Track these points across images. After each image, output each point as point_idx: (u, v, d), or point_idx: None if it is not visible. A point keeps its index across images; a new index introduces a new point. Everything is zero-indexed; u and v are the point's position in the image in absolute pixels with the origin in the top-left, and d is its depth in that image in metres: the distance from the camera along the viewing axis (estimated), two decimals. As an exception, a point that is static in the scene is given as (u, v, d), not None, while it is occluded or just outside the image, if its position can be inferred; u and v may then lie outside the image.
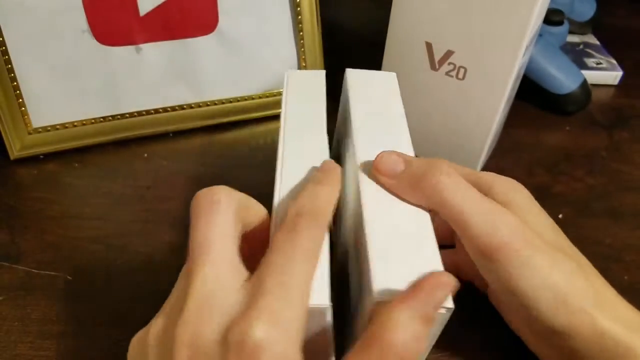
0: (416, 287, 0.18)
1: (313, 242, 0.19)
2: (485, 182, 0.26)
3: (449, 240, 0.30)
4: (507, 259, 0.23)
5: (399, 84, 0.40)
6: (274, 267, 0.18)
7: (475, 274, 0.25)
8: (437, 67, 0.37)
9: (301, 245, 0.18)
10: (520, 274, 0.23)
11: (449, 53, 0.35)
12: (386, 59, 0.39)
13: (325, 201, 0.21)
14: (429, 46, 0.36)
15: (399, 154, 0.25)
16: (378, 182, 0.24)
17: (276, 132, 0.45)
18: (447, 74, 0.36)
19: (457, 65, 0.36)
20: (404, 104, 0.41)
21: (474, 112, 0.37)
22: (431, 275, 0.19)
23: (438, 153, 0.40)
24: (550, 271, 0.23)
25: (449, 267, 0.21)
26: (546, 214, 0.26)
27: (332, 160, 0.23)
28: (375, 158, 0.24)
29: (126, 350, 0.21)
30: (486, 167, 0.40)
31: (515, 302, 0.23)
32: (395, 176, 0.24)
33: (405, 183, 0.23)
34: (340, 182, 0.23)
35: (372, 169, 0.24)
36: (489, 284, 0.25)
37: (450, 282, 0.19)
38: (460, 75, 0.36)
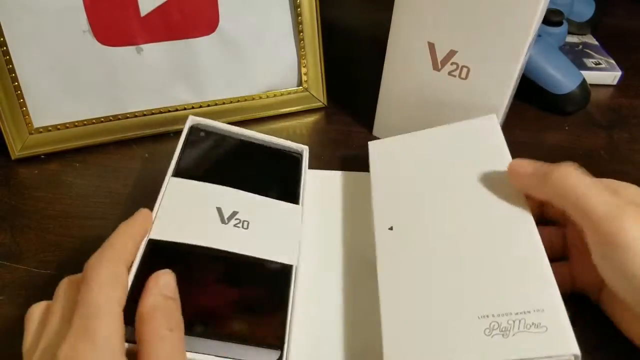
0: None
1: (105, 277, 0.23)
2: (608, 187, 0.28)
3: (561, 253, 0.32)
4: (629, 244, 0.24)
5: (401, 84, 0.40)
6: (75, 312, 0.22)
7: (589, 281, 0.29)
8: (439, 67, 0.37)
9: (91, 289, 0.22)
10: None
11: (451, 53, 0.36)
12: (388, 60, 0.39)
13: (122, 234, 0.25)
14: (431, 46, 0.36)
15: (526, 160, 0.29)
16: (515, 186, 0.29)
17: (276, 133, 0.45)
18: (449, 73, 0.36)
19: (460, 65, 0.36)
20: (405, 103, 0.42)
21: (477, 112, 0.37)
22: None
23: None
24: None
25: (564, 278, 0.27)
26: None
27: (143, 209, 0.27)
28: (510, 165, 0.29)
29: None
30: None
31: (632, 298, 0.25)
32: (527, 176, 0.28)
33: (536, 180, 0.28)
34: (146, 220, 0.27)
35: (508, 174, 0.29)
36: (606, 280, 0.26)
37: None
38: (463, 75, 0.36)
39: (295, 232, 0.31)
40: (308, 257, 0.33)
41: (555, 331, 0.23)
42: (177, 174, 0.31)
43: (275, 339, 0.25)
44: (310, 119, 0.47)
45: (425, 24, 0.35)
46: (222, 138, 0.35)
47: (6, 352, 0.27)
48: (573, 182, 0.26)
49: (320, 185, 0.38)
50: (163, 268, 0.25)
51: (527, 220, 0.28)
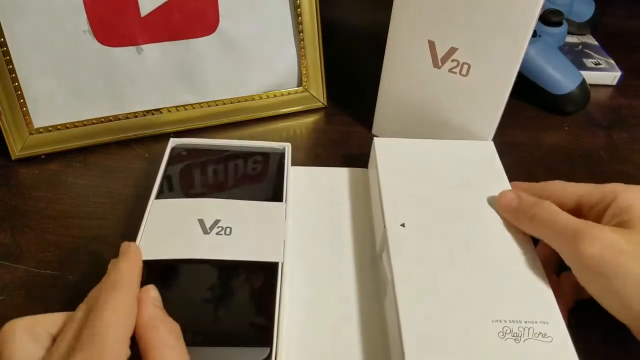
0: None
1: (118, 304, 0.23)
2: (611, 192, 0.29)
3: None
4: (591, 265, 0.26)
5: (401, 82, 0.40)
6: (85, 331, 0.22)
7: None
8: (440, 64, 0.37)
9: (102, 314, 0.22)
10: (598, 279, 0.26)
11: (452, 50, 0.36)
12: (387, 58, 0.39)
13: (124, 270, 0.25)
14: (431, 44, 0.36)
15: (514, 191, 0.32)
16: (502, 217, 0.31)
17: (276, 133, 0.45)
18: (450, 70, 0.36)
19: (461, 62, 0.36)
20: (404, 101, 0.42)
21: (478, 108, 0.37)
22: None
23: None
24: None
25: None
26: None
27: (128, 242, 0.28)
28: (499, 196, 0.32)
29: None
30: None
31: (621, 316, 0.27)
32: (512, 210, 0.31)
33: (520, 216, 0.30)
34: (138, 253, 0.27)
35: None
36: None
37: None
38: (464, 72, 0.36)
39: (279, 230, 0.31)
40: (308, 253, 0.33)
41: (560, 342, 0.25)
42: (160, 195, 0.32)
43: (264, 337, 0.25)
44: (310, 119, 0.47)
45: (425, 22, 0.36)
46: (203, 153, 0.36)
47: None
48: (546, 218, 0.29)
49: (317, 182, 0.38)
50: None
51: (526, 240, 0.30)
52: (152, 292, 0.25)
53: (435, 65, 0.37)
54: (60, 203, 0.37)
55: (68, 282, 0.32)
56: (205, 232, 0.30)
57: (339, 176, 0.39)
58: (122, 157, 0.41)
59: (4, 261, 0.32)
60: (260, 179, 0.35)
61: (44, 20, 0.37)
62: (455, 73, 0.36)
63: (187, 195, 0.33)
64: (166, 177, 0.34)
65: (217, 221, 0.31)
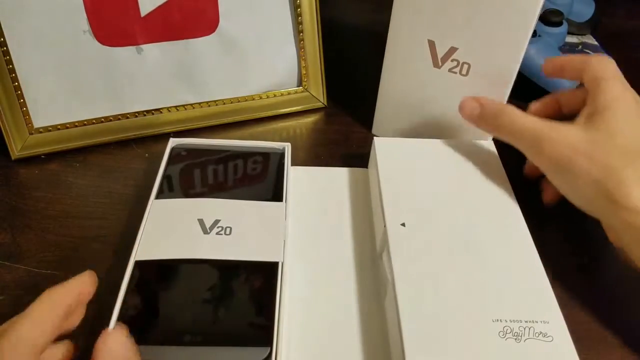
0: None
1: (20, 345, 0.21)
2: (603, 90, 0.30)
3: None
4: (552, 162, 0.30)
5: (401, 82, 0.40)
6: None
7: None
8: (440, 64, 0.37)
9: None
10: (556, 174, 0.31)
11: (452, 50, 0.36)
12: (387, 58, 0.39)
13: (43, 302, 0.23)
14: (431, 44, 0.36)
15: (476, 99, 0.34)
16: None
17: (276, 133, 0.45)
18: (450, 70, 0.37)
19: (461, 62, 0.36)
20: (404, 101, 0.42)
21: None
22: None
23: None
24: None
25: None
26: None
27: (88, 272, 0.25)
28: (460, 103, 0.35)
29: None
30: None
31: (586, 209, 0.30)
32: (474, 119, 0.34)
33: (483, 124, 0.34)
34: (87, 281, 0.24)
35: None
36: None
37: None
38: (464, 72, 0.36)
39: (279, 229, 0.31)
40: (308, 253, 0.33)
41: (560, 341, 0.25)
42: (160, 195, 0.33)
43: (264, 337, 0.25)
44: (310, 119, 0.47)
45: (425, 22, 0.36)
46: (203, 153, 0.36)
47: (6, 351, 0.27)
48: (512, 125, 0.32)
49: (317, 182, 0.38)
50: (149, 286, 0.26)
51: (527, 240, 0.30)
52: (109, 342, 0.22)
53: (435, 65, 0.37)
54: (60, 203, 0.37)
55: (68, 282, 0.31)
56: (205, 232, 0.30)
57: (339, 176, 0.39)
58: (122, 157, 0.41)
59: (4, 261, 0.32)
60: (260, 179, 0.35)
61: (44, 20, 0.37)
62: (455, 73, 0.36)
63: (187, 195, 0.33)
64: (166, 177, 0.34)
65: (217, 221, 0.31)
